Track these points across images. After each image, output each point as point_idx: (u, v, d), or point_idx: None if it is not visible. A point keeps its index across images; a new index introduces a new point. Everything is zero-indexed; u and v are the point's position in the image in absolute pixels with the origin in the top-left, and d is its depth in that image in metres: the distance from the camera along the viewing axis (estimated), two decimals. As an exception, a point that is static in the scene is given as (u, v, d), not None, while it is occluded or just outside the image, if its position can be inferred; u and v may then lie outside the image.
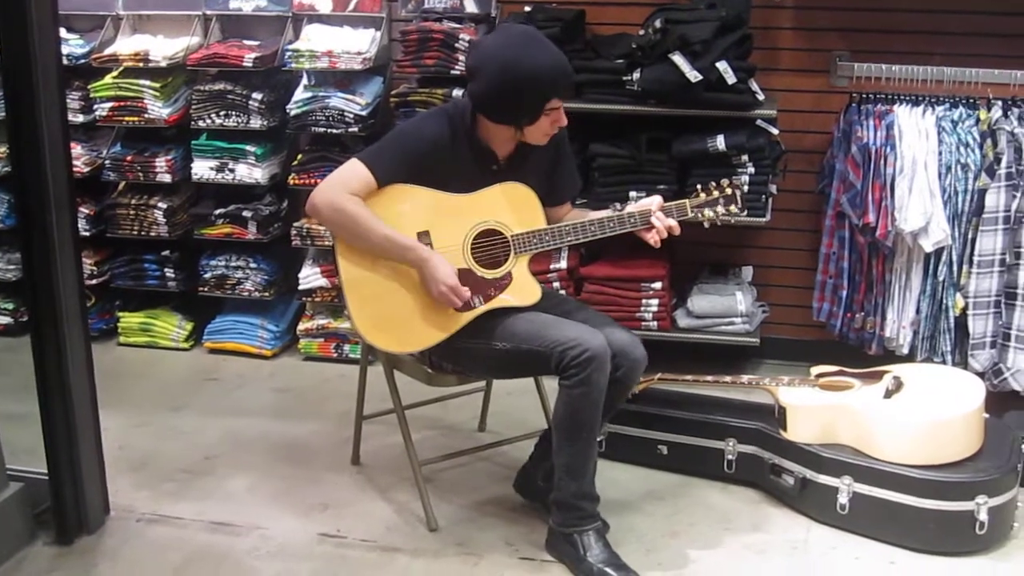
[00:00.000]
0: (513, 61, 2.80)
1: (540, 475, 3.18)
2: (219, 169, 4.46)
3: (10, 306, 4.82)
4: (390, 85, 4.46)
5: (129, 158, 4.52)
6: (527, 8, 4.17)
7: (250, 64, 4.31)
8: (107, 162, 4.56)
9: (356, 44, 4.31)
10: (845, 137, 3.94)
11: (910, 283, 3.93)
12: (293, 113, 4.34)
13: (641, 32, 3.99)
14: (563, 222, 3.03)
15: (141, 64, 4.40)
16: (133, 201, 4.56)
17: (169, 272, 4.65)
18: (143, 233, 4.57)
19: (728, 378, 3.56)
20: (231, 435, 3.85)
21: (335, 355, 4.55)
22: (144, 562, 3.03)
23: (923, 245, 3.82)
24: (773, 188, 4.11)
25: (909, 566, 2.99)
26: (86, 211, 4.58)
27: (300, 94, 4.36)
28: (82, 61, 4.53)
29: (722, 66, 3.79)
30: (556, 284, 4.13)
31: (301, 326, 4.58)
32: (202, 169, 4.47)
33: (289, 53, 4.31)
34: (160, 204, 4.53)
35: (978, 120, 3.79)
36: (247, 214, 4.49)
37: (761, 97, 3.93)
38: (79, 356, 3.02)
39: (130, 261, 4.69)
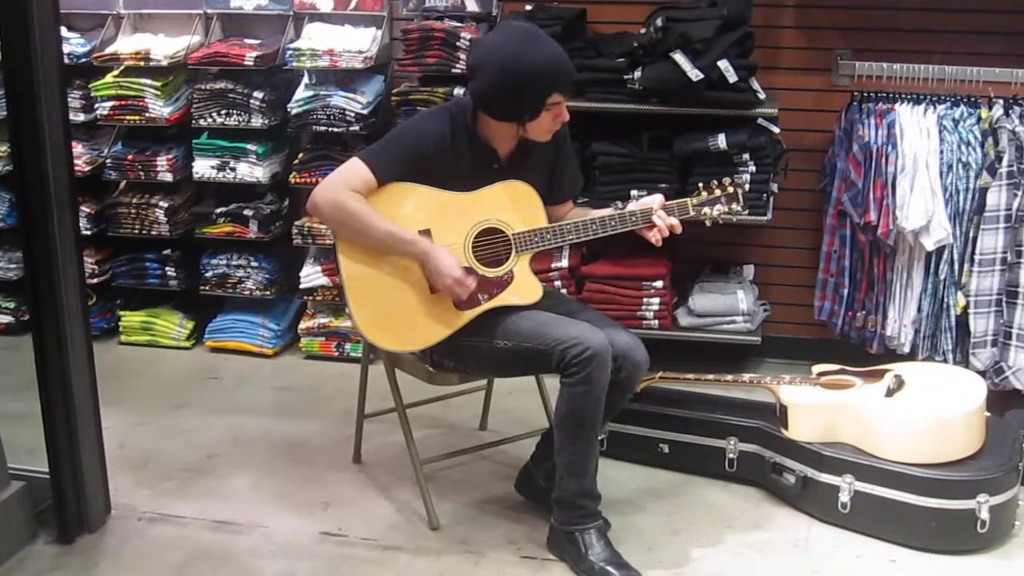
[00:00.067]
0: (513, 57, 2.79)
1: (541, 475, 3.18)
2: (220, 168, 4.46)
3: (11, 305, 4.82)
4: (391, 84, 4.46)
5: (130, 157, 4.52)
6: (528, 7, 4.17)
7: (251, 63, 4.31)
8: (108, 161, 4.57)
9: (357, 43, 4.31)
10: (846, 136, 3.94)
11: (911, 282, 3.93)
12: (294, 112, 4.34)
13: (642, 31, 3.99)
14: (564, 220, 3.03)
15: (142, 63, 4.40)
16: (134, 200, 4.56)
17: (170, 271, 4.66)
18: (144, 232, 4.57)
19: (729, 377, 3.56)
20: (232, 434, 3.86)
21: (336, 354, 4.55)
22: (145, 561, 3.03)
23: (924, 244, 3.81)
24: (774, 187, 4.11)
25: (910, 564, 2.99)
26: (87, 210, 4.58)
27: (301, 93, 4.36)
28: (83, 60, 4.53)
29: (723, 65, 3.79)
30: (557, 283, 4.13)
31: (302, 325, 4.58)
32: (203, 168, 4.47)
33: (290, 52, 4.31)
34: (161, 203, 4.53)
35: (979, 119, 3.79)
36: (248, 213, 4.49)
37: (762, 96, 3.93)
38: (80, 355, 3.02)
39: (131, 260, 4.69)
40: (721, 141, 3.90)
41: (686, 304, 4.22)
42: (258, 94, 4.35)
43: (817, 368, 3.46)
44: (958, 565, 2.98)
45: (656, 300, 4.12)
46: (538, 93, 2.83)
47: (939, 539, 3.01)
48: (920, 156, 3.79)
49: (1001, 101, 3.78)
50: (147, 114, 4.42)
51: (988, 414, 3.18)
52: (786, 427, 3.25)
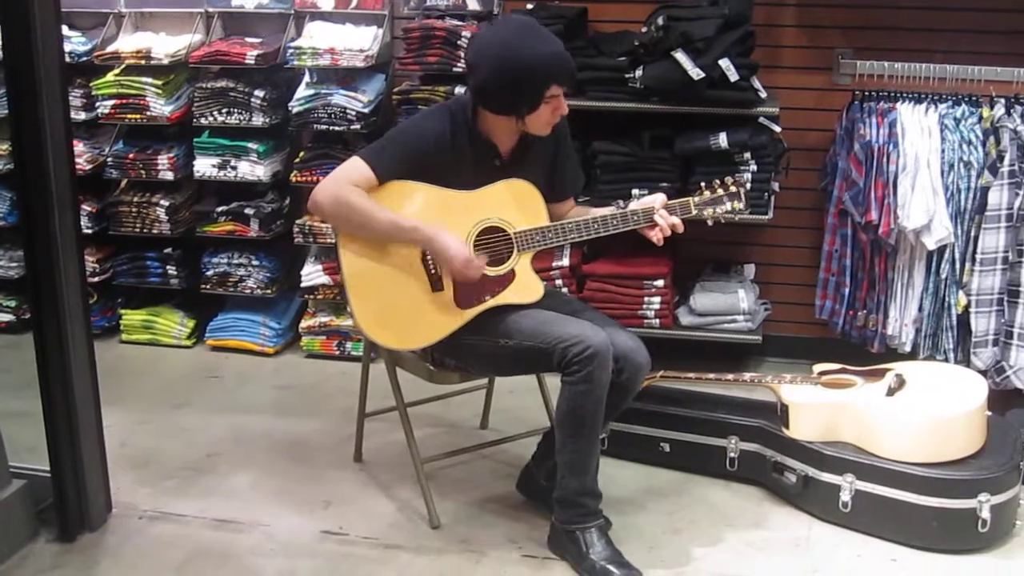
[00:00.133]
0: (511, 50, 2.80)
1: (542, 474, 3.18)
2: (221, 166, 4.46)
3: (12, 303, 4.82)
4: (392, 83, 4.46)
5: (131, 155, 4.52)
6: (529, 5, 4.17)
7: (252, 61, 4.31)
8: (109, 159, 4.57)
9: (358, 41, 4.31)
10: (848, 135, 3.94)
11: (912, 281, 3.93)
12: (295, 110, 4.34)
13: (643, 29, 3.99)
14: (566, 219, 3.03)
15: (143, 61, 4.40)
16: (135, 199, 4.56)
17: (171, 269, 4.66)
18: (145, 230, 4.57)
19: (730, 376, 3.56)
20: (233, 432, 3.86)
21: (337, 352, 4.55)
22: (146, 559, 3.03)
23: (926, 243, 3.81)
24: (775, 186, 4.11)
25: (911, 564, 2.99)
26: (88, 209, 4.58)
27: (302, 91, 4.35)
28: (84, 59, 4.53)
29: (724, 63, 3.79)
30: (559, 281, 4.13)
31: (303, 323, 4.58)
32: (204, 166, 4.47)
33: (291, 50, 4.31)
34: (162, 201, 4.53)
35: (981, 118, 3.79)
36: (249, 211, 4.49)
37: (764, 95, 3.93)
38: (81, 353, 3.02)
39: (132, 259, 4.69)
40: (722, 140, 3.90)
41: (687, 303, 4.22)
42: (259, 93, 4.35)
43: (818, 367, 3.46)
44: (959, 564, 2.98)
45: (657, 299, 4.12)
46: (536, 85, 2.82)
47: (940, 538, 3.01)
48: (921, 155, 3.78)
49: (1002, 100, 3.78)
50: (148, 113, 4.42)
51: (989, 413, 3.18)
52: (787, 426, 3.25)
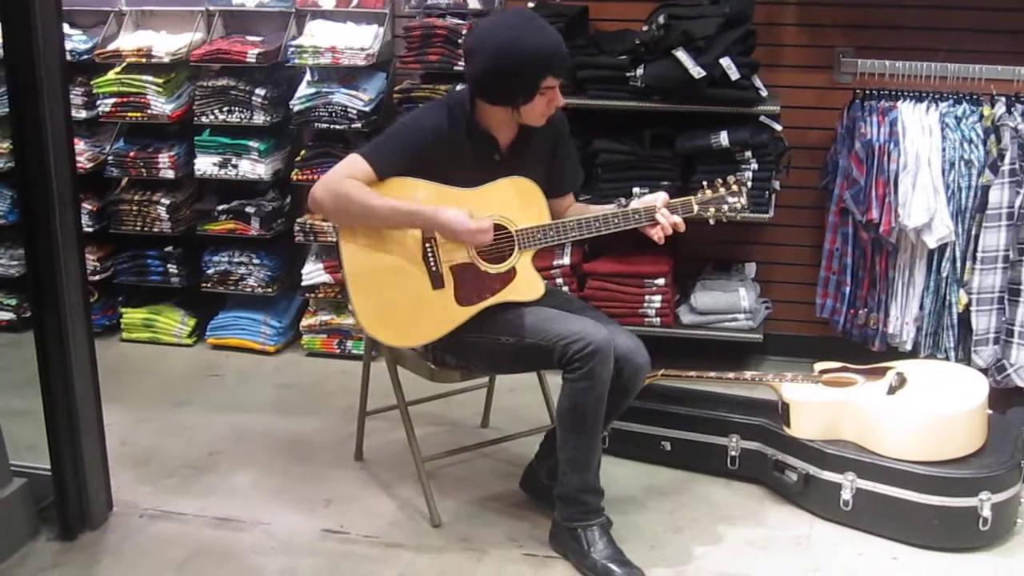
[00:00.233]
0: (508, 40, 2.80)
1: (544, 472, 3.18)
2: (222, 165, 4.46)
3: (13, 302, 4.82)
4: (393, 81, 4.46)
5: (132, 154, 4.52)
6: (530, 4, 4.17)
7: (253, 60, 4.31)
8: (110, 158, 4.56)
9: (359, 40, 4.31)
10: (849, 133, 3.94)
11: (913, 279, 3.93)
12: (296, 109, 4.34)
13: (644, 28, 3.99)
14: (567, 217, 3.03)
15: (144, 60, 4.40)
16: (136, 197, 4.56)
17: (172, 268, 4.66)
18: (146, 229, 4.57)
19: (731, 374, 3.56)
20: (234, 431, 3.86)
21: (338, 351, 4.55)
22: (147, 558, 3.03)
23: (926, 241, 3.81)
24: (776, 184, 4.11)
25: (912, 562, 2.99)
26: (89, 207, 4.58)
27: (303, 90, 4.35)
28: (85, 57, 4.53)
29: (725, 62, 3.79)
30: (559, 280, 4.13)
31: (304, 322, 4.58)
32: (205, 165, 4.47)
33: (292, 49, 4.31)
34: (163, 200, 4.53)
35: (982, 116, 3.79)
36: (250, 210, 4.49)
37: (764, 93, 3.93)
38: (82, 352, 3.02)
39: (133, 257, 4.69)
40: (723, 139, 3.89)
41: (688, 302, 4.22)
42: (260, 91, 4.35)
43: (819, 366, 3.45)
44: (960, 563, 2.98)
45: (658, 298, 4.12)
46: (532, 76, 2.82)
47: (941, 537, 3.01)
48: (922, 154, 3.78)
49: (1003, 99, 3.78)
50: (149, 111, 4.42)
51: (990, 412, 3.18)
52: (788, 425, 3.25)
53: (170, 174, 4.50)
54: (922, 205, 3.76)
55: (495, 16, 3.07)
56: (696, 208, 3.02)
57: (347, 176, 2.86)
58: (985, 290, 3.80)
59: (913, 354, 3.96)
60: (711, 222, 3.09)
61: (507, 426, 3.75)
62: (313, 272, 4.48)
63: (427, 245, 2.94)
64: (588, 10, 4.25)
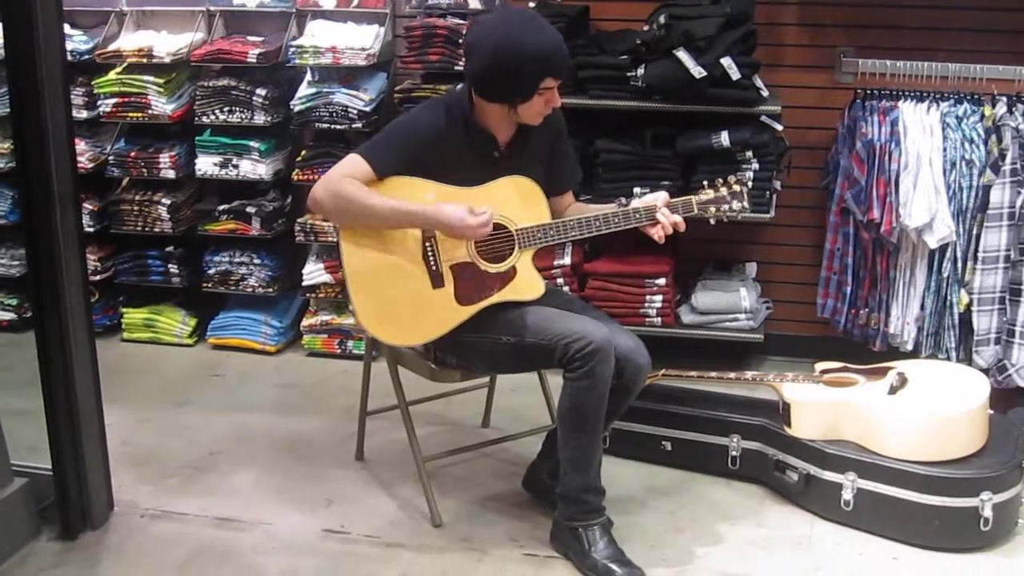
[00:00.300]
0: (508, 38, 2.79)
1: (545, 472, 3.18)
2: (223, 165, 4.46)
3: (14, 302, 4.82)
4: (394, 81, 4.46)
5: (133, 154, 4.52)
6: (531, 4, 4.16)
7: (254, 60, 4.31)
8: (111, 158, 4.57)
9: (360, 40, 4.31)
10: (850, 133, 3.94)
11: (914, 279, 3.93)
12: (297, 109, 4.34)
13: (645, 28, 3.99)
14: (568, 217, 3.03)
15: (145, 60, 4.40)
16: (137, 197, 4.56)
17: (173, 268, 4.66)
18: (147, 229, 4.57)
19: (732, 374, 3.56)
20: (235, 431, 3.86)
21: (339, 351, 4.54)
22: (148, 557, 3.03)
23: (928, 241, 3.81)
24: (777, 184, 4.11)
25: (913, 562, 2.99)
26: (90, 207, 4.58)
27: (304, 90, 4.35)
28: (86, 57, 4.53)
29: (726, 62, 3.79)
30: (560, 280, 4.13)
31: (305, 322, 4.58)
32: (206, 165, 4.47)
33: (293, 49, 4.31)
34: (164, 200, 4.53)
35: (983, 116, 3.79)
36: (251, 210, 4.49)
37: (765, 93, 3.92)
38: (83, 352, 3.02)
39: (134, 257, 4.69)
40: (724, 138, 3.89)
41: (689, 301, 4.22)
42: (261, 91, 4.35)
43: (820, 366, 3.45)
44: (961, 563, 2.98)
45: (659, 297, 4.12)
46: (532, 76, 2.82)
47: (942, 537, 3.01)
48: (923, 153, 3.78)
49: (1004, 99, 3.78)
50: (150, 111, 4.42)
51: (991, 412, 3.18)
52: (789, 425, 3.25)
53: (171, 174, 4.50)
54: (923, 205, 3.76)
55: (496, 14, 3.06)
56: (697, 208, 3.02)
57: (347, 176, 2.86)
58: (986, 290, 3.79)
59: (914, 354, 3.96)
60: (712, 222, 3.09)
61: (508, 426, 3.75)
62: (314, 272, 4.48)
63: (427, 244, 2.94)
64: (589, 10, 4.25)
